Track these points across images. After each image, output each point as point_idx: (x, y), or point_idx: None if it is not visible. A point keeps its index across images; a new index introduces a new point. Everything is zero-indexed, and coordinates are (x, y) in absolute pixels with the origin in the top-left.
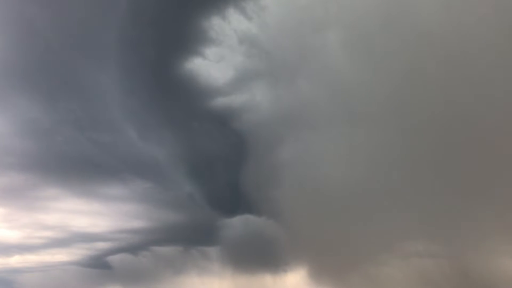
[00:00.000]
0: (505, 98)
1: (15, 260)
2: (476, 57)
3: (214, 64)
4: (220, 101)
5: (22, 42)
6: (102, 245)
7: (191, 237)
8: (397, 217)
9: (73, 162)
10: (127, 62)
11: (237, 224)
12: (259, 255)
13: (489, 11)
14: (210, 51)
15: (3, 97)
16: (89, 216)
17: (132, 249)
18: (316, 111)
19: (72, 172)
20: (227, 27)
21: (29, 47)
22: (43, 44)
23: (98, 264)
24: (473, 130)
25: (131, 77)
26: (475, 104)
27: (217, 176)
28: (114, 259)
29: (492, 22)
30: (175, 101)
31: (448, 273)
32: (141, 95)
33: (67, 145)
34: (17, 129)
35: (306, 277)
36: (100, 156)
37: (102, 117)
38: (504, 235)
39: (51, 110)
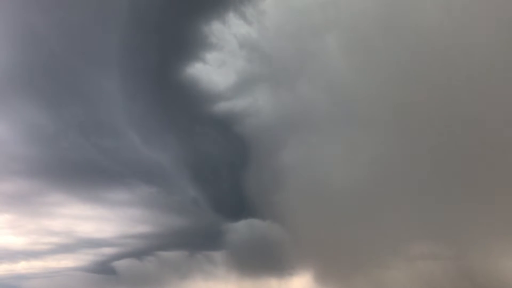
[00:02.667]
0: (506, 99)
1: (21, 266)
2: (476, 59)
3: (216, 69)
4: (223, 106)
5: (26, 49)
6: (107, 251)
7: (196, 242)
8: (401, 219)
9: (78, 168)
10: (129, 67)
11: (242, 228)
12: (264, 259)
13: (489, 13)
14: (211, 56)
15: (8, 104)
16: (94, 222)
17: (138, 254)
18: (317, 114)
19: (77, 178)
20: (227, 32)
21: (33, 53)
22: (47, 51)
23: (104, 269)
24: (476, 131)
25: (134, 82)
26: (476, 105)
27: (221, 180)
28: (120, 264)
29: (492, 24)
30: (178, 106)
31: (453, 275)
32: (143, 100)
33: (72, 151)
34: (22, 135)
35: (312, 281)
36: (104, 162)
37: (106, 123)
38: (509, 237)
39: (56, 116)
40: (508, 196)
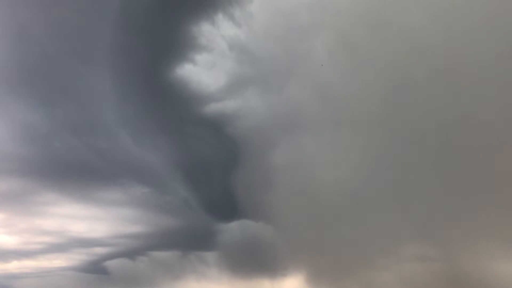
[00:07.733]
0: (501, 98)
1: (13, 266)
2: (463, 59)
3: (206, 70)
4: (213, 107)
5: (18, 49)
6: (100, 250)
7: (189, 242)
8: (393, 221)
9: (71, 168)
10: (120, 68)
11: (234, 229)
12: (257, 260)
13: (475, 13)
14: (201, 57)
15: (0, 103)
16: (87, 221)
17: (130, 254)
18: (307, 115)
19: (70, 177)
20: (216, 33)
21: (25, 53)
22: (39, 50)
23: (96, 269)
24: (465, 132)
25: (125, 83)
26: (465, 105)
27: (213, 181)
28: (112, 264)
29: (479, 24)
30: (169, 107)
31: (443, 277)
32: (135, 101)
33: (65, 151)
34: (14, 135)
35: (304, 282)
36: (97, 161)
37: (98, 123)
38: (500, 239)
39: (48, 116)
40: (499, 199)
